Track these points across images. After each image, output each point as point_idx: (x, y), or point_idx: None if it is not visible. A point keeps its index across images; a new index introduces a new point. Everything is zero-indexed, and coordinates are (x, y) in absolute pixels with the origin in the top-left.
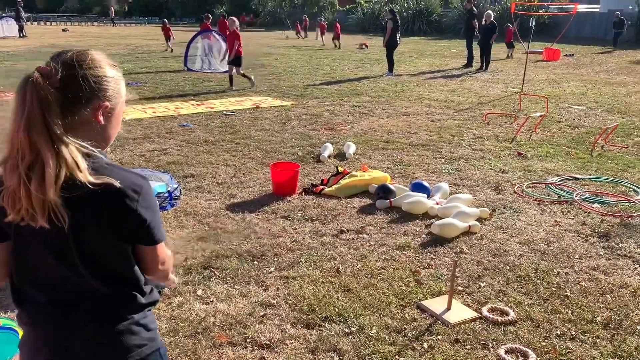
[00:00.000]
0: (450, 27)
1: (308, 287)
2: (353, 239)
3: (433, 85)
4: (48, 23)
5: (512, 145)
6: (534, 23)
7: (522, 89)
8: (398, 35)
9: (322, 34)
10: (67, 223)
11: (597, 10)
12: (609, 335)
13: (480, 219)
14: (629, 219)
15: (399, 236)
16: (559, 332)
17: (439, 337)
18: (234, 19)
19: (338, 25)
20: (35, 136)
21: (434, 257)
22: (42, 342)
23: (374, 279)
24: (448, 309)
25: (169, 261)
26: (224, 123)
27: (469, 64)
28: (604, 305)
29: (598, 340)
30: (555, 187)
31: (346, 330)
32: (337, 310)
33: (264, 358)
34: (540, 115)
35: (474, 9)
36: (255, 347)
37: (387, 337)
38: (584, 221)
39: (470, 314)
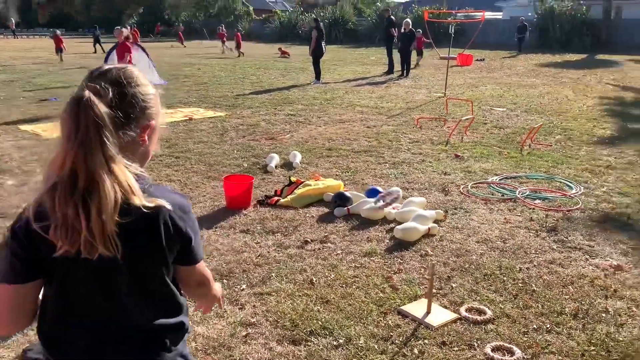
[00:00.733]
0: (365, 36)
1: (285, 301)
2: (319, 249)
3: (361, 92)
4: None
5: (448, 148)
6: (453, 30)
7: (445, 94)
8: (323, 43)
9: (223, 42)
10: (121, 251)
11: (500, 17)
12: (580, 325)
13: (436, 221)
14: (570, 212)
15: (363, 243)
16: (535, 326)
17: (426, 341)
18: (123, 29)
19: (239, 34)
20: (91, 159)
21: (401, 261)
22: None
23: (349, 288)
24: (428, 312)
25: (210, 278)
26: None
27: (390, 71)
28: (568, 296)
29: (572, 331)
30: (497, 186)
31: (334, 342)
32: (320, 323)
33: None
34: (469, 119)
35: (392, 17)
36: None
37: (376, 346)
38: (531, 217)
39: (450, 315)
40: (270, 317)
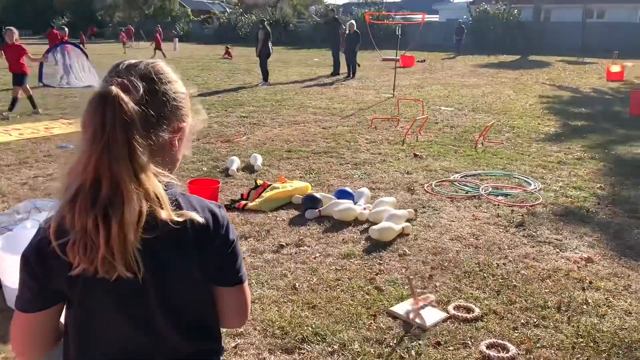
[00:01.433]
0: (306, 37)
1: (271, 309)
2: (295, 252)
3: (311, 93)
4: None
5: (405, 148)
6: (400, 31)
7: (394, 94)
8: (270, 44)
9: (124, 43)
10: (145, 271)
11: (437, 19)
12: (566, 318)
13: (408, 220)
14: (533, 207)
15: (339, 245)
16: (522, 322)
17: (420, 342)
18: (13, 29)
19: (158, 35)
20: (117, 165)
21: (381, 262)
22: None
23: (333, 291)
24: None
25: (250, 306)
26: None
27: (335, 72)
28: (548, 290)
29: (558, 324)
30: (460, 184)
31: (328, 349)
32: (311, 329)
33: None
34: (423, 118)
35: (337, 17)
36: None
37: (372, 350)
38: (497, 213)
39: (440, 315)
40: (258, 325)
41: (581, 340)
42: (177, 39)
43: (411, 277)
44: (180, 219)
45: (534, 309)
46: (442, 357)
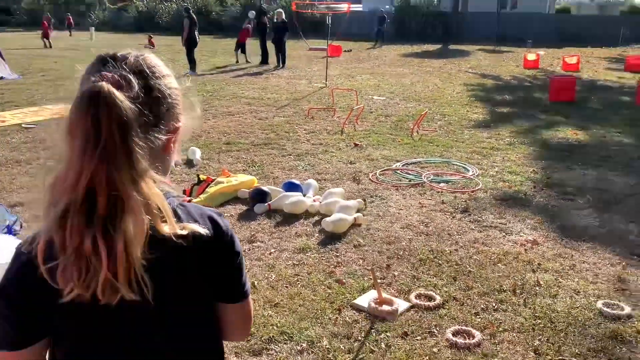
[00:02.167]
0: (230, 26)
1: None
2: (249, 249)
3: (242, 83)
4: None
5: (345, 137)
6: (330, 20)
7: (326, 84)
8: (196, 32)
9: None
10: (151, 293)
11: (361, 9)
12: (522, 301)
13: (359, 210)
14: (474, 193)
15: (293, 239)
16: (482, 307)
17: (388, 334)
18: None
19: (45, 23)
20: (117, 174)
21: (337, 254)
22: None
23: (294, 287)
24: (380, 303)
25: (252, 318)
26: (28, 138)
27: (264, 61)
28: (501, 273)
29: (516, 307)
30: (402, 172)
31: (297, 347)
32: (276, 328)
33: None
34: (359, 108)
35: (264, 7)
36: None
37: (341, 346)
38: (442, 200)
39: (403, 304)
40: None
41: (539, 321)
42: (93, 27)
43: (374, 268)
44: (184, 233)
45: (490, 294)
46: (411, 347)
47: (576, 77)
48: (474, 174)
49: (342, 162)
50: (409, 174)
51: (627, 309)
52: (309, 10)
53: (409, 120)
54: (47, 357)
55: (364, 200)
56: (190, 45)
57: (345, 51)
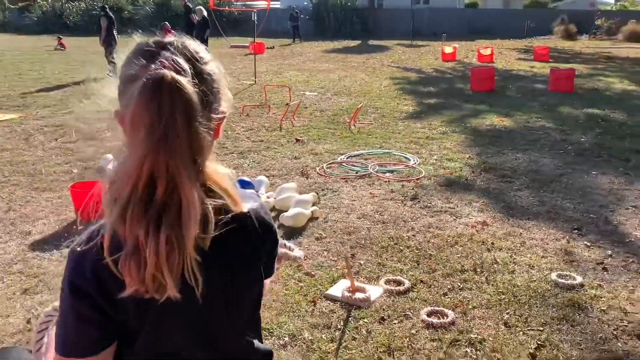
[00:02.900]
0: (144, 25)
1: None
2: None
3: None
4: None
5: (284, 133)
6: (255, 17)
7: (255, 81)
8: (115, 32)
9: None
10: (211, 282)
11: (279, 6)
12: (484, 279)
13: (314, 203)
14: (419, 181)
15: None
16: (449, 287)
17: (366, 320)
18: None
19: None
20: (175, 161)
21: (301, 248)
22: None
23: None
24: (354, 292)
25: None
26: None
27: None
28: (459, 254)
29: (480, 285)
30: (348, 165)
31: (279, 342)
32: None
33: None
34: (296, 104)
35: (189, 4)
36: None
37: (323, 336)
38: (391, 189)
39: (375, 291)
40: None
41: (503, 296)
42: None
43: (347, 257)
44: (250, 214)
45: (454, 274)
46: (390, 331)
47: (493, 67)
48: (416, 163)
49: (287, 157)
50: (355, 166)
51: (579, 279)
52: (227, 8)
53: (344, 114)
54: None
55: (317, 194)
56: (109, 45)
57: (268, 48)
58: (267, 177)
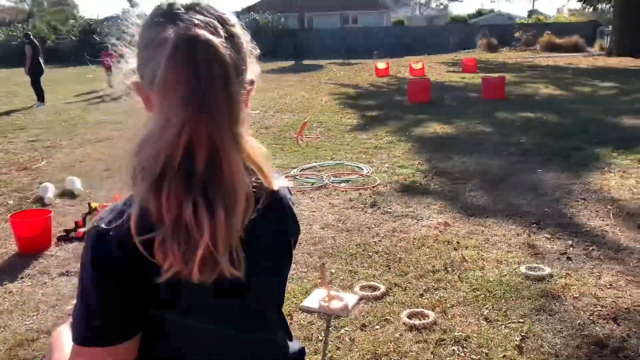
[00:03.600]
0: (67, 54)
1: None
2: None
3: (101, 109)
4: None
5: None
6: None
7: None
8: (41, 60)
9: None
10: (247, 263)
11: None
12: (456, 277)
13: None
14: (376, 188)
15: None
16: (424, 288)
17: (347, 328)
18: None
19: None
20: (218, 129)
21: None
22: None
23: None
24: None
25: None
26: None
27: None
28: (428, 256)
29: (453, 284)
30: (302, 177)
31: None
32: None
33: None
34: None
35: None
36: None
37: (307, 349)
38: (349, 198)
39: (352, 298)
40: None
41: (479, 292)
42: None
43: (323, 266)
44: (283, 193)
45: (426, 275)
46: (374, 337)
47: (428, 79)
48: (369, 172)
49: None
50: (309, 178)
51: (547, 269)
52: None
53: (289, 130)
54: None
55: None
56: (35, 74)
57: None
58: None
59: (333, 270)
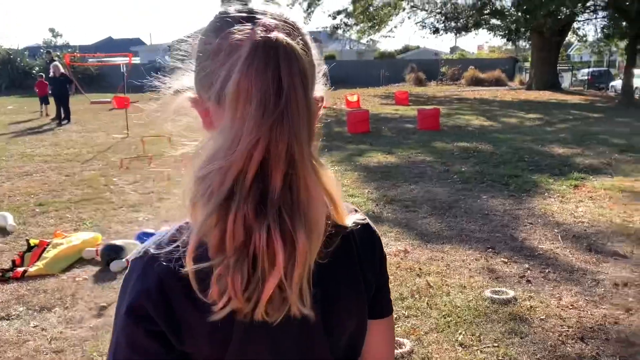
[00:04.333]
0: None
1: None
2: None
3: (27, 142)
4: None
5: (177, 182)
6: (125, 69)
7: (128, 134)
8: None
9: None
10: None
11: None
12: (425, 304)
13: None
14: None
15: None
16: (395, 316)
17: None
18: None
19: None
20: (299, 145)
21: None
22: None
23: None
24: None
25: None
26: None
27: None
28: (393, 283)
29: (424, 310)
30: None
31: None
32: None
33: None
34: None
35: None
36: None
37: None
38: None
39: None
40: None
41: (450, 318)
42: None
43: None
44: (356, 227)
45: (395, 303)
46: None
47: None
48: None
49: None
50: None
51: (511, 292)
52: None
53: None
54: None
55: None
56: None
57: (132, 103)
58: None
59: None
